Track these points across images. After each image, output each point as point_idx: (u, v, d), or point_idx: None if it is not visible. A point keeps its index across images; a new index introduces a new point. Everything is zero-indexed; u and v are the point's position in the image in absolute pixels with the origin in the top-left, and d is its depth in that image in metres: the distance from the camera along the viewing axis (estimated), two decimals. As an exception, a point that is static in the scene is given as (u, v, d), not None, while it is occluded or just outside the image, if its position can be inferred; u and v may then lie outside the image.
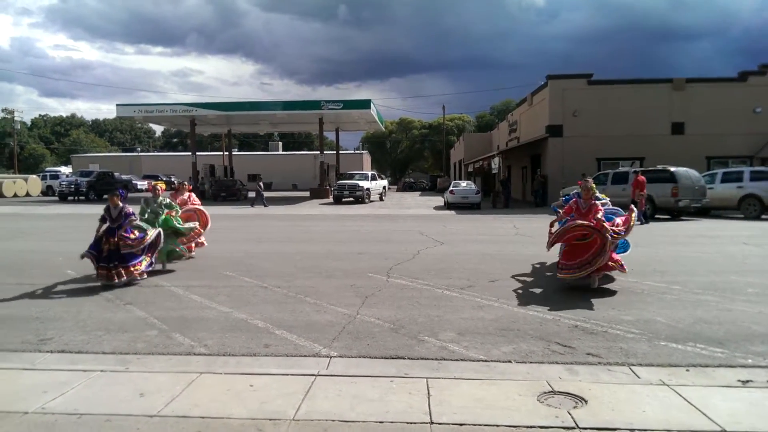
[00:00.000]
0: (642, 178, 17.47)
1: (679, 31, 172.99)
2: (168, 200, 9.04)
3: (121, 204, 7.58)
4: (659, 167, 19.84)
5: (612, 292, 6.94)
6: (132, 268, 7.49)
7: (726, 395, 3.68)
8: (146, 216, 8.54)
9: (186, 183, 10.95)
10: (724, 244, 11.94)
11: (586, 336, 5.12)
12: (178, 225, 8.80)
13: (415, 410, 3.42)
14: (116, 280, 7.30)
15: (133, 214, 7.73)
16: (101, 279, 7.35)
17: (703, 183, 19.25)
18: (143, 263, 7.72)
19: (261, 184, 28.46)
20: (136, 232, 7.63)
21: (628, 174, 19.61)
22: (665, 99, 26.56)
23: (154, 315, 5.94)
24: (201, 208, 10.07)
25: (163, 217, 8.63)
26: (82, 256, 7.35)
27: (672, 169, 19.01)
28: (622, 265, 7.16)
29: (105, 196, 8.40)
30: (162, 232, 8.14)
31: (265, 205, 26.73)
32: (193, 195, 10.37)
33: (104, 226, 7.48)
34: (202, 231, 9.73)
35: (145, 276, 7.85)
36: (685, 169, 19.37)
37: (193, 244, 9.58)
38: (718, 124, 25.94)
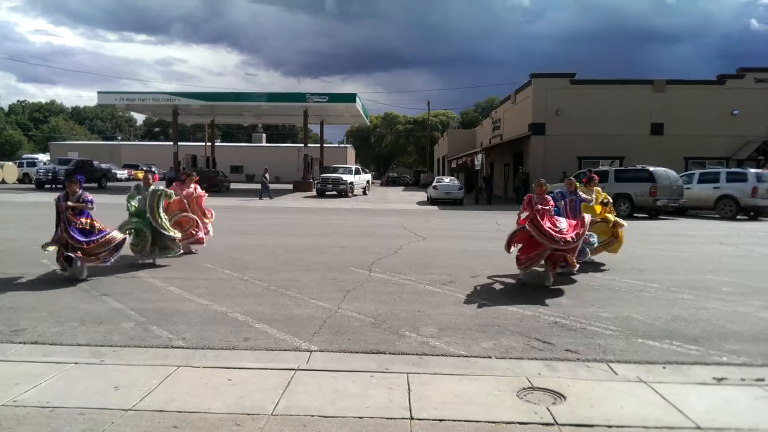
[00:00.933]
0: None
1: (660, 34, 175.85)
2: (162, 188, 8.58)
3: (79, 191, 7.21)
4: (638, 167, 20.16)
5: (591, 290, 7.02)
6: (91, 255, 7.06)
7: (701, 392, 3.74)
8: (136, 201, 8.20)
9: (193, 174, 10.55)
10: (700, 243, 12.19)
11: (566, 332, 5.17)
12: (164, 225, 8.34)
13: (396, 405, 3.41)
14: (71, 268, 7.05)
15: (92, 201, 7.30)
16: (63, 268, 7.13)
17: (680, 183, 19.62)
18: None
19: (267, 176, 28.39)
20: (93, 223, 7.20)
21: (608, 173, 19.84)
22: (646, 100, 26.96)
23: (130, 307, 5.83)
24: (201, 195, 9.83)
25: (154, 202, 8.23)
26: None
27: (651, 168, 19.33)
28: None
29: (90, 185, 7.83)
30: (126, 239, 7.75)
31: (269, 197, 26.77)
32: (199, 188, 10.03)
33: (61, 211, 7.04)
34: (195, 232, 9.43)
35: (112, 261, 7.34)
36: (663, 169, 19.71)
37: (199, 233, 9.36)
38: (696, 126, 26.43)
